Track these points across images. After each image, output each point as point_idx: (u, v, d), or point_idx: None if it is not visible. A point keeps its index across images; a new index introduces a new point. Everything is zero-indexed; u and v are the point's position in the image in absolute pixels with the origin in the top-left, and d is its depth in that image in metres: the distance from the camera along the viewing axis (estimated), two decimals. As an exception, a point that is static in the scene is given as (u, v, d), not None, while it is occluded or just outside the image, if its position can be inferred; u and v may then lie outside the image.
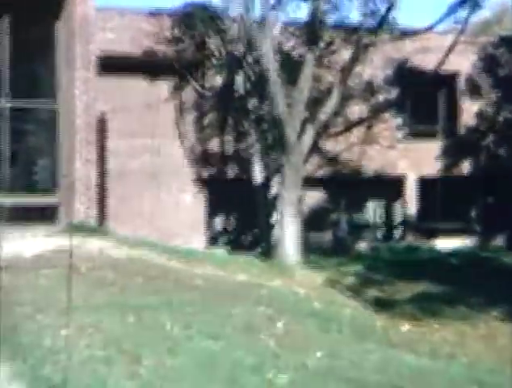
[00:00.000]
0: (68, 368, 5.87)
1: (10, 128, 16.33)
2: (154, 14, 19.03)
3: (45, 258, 11.24)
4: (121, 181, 18.65)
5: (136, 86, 19.09)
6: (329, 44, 19.79)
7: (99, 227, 15.55)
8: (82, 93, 15.71)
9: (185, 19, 19.41)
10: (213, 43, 19.37)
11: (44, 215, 16.32)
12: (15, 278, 9.40)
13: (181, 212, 19.69)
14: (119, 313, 7.86)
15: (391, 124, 22.82)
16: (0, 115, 16.21)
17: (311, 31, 17.38)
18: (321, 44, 18.31)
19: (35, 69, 16.99)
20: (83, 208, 15.44)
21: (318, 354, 7.32)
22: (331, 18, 18.87)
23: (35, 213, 16.34)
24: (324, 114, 17.14)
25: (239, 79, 19.27)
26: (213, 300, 9.44)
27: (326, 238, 22.09)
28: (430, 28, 19.90)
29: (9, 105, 16.27)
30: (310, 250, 17.74)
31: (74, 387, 5.50)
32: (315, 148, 18.16)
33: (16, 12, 16.28)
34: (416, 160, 22.80)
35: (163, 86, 19.51)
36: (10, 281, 9.20)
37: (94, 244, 13.09)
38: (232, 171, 20.73)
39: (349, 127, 20.82)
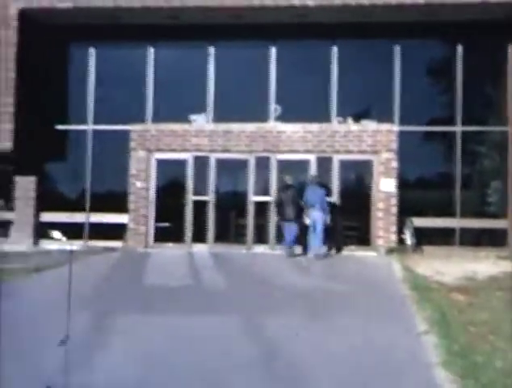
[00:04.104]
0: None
1: (462, 152, 17.18)
2: None
3: (497, 280, 11.62)
4: None
5: None
6: None
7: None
8: None
9: None
10: None
11: (494, 238, 16.74)
12: (470, 298, 10.05)
13: None
14: None
15: None
16: (453, 140, 17.20)
17: None
18: None
19: (486, 92, 17.51)
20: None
21: None
22: None
23: (484, 236, 16.86)
24: None
25: None
26: None
27: None
28: None
29: (461, 129, 17.16)
30: None
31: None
32: None
33: (468, 38, 17.13)
34: None
35: None
36: (465, 300, 9.88)
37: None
38: None
39: None
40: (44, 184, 17.95)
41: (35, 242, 17.50)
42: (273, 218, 16.25)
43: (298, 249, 15.54)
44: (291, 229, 15.27)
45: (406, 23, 16.65)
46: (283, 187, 15.74)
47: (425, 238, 16.33)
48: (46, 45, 17.49)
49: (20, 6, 16.81)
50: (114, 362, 6.91)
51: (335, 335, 8.08)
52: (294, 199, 15.32)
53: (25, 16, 16.90)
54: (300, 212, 15.36)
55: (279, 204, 15.57)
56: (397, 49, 17.25)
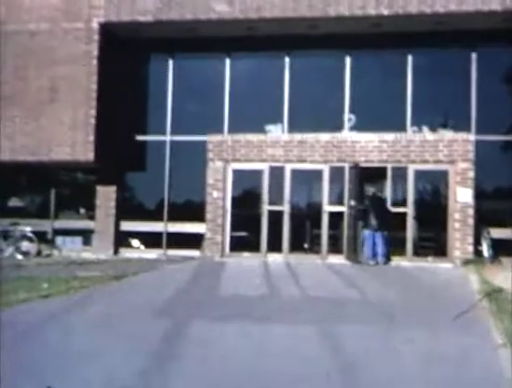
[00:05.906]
0: None
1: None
2: None
3: None
4: None
5: None
6: None
7: None
8: None
9: None
10: None
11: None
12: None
13: None
14: None
15: None
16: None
17: None
18: None
19: None
20: None
21: None
22: None
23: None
24: None
25: None
26: None
27: None
28: None
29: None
30: None
31: None
32: None
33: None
34: None
35: None
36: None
37: None
38: None
39: None
40: (124, 194, 18.52)
41: (116, 251, 18.04)
42: (347, 228, 16.28)
43: (375, 259, 15.61)
44: (374, 240, 15.68)
45: (483, 29, 16.45)
46: (369, 197, 16.09)
47: (502, 249, 16.03)
48: (126, 58, 18.09)
49: (102, 21, 17.43)
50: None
51: (410, 346, 8.06)
52: (380, 208, 15.76)
53: (106, 30, 17.52)
54: (385, 222, 15.65)
55: (365, 214, 15.87)
56: (474, 57, 17.06)
